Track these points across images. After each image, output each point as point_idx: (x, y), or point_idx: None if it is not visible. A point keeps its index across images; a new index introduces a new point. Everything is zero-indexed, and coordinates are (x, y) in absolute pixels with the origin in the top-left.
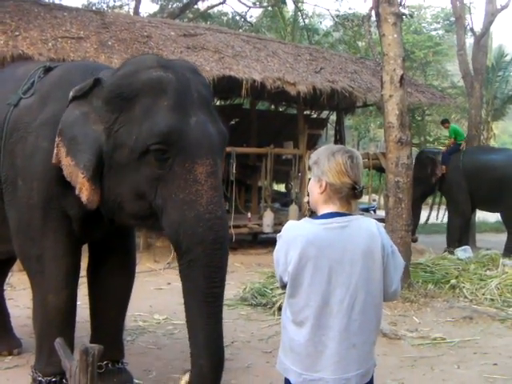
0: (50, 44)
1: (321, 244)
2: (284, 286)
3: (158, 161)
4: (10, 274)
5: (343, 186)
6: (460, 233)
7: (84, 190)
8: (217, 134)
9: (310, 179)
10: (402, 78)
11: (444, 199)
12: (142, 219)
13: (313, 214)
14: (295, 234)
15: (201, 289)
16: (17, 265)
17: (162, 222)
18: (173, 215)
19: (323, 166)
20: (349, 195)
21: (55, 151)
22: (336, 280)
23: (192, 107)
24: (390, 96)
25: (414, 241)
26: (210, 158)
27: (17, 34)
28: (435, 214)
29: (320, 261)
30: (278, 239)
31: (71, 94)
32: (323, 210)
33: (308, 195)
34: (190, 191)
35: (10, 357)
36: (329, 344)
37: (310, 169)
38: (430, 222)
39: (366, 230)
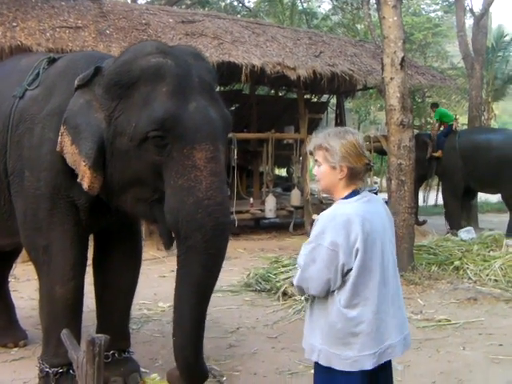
0: (48, 34)
1: (370, 218)
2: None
3: (157, 147)
4: (14, 265)
5: (362, 166)
6: (459, 214)
7: (85, 178)
8: (219, 118)
9: (318, 167)
10: (402, 60)
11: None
12: (142, 206)
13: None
14: (347, 214)
15: (195, 277)
16: (20, 256)
17: (164, 208)
18: (172, 202)
19: (340, 152)
20: (364, 173)
21: (59, 139)
22: (385, 249)
23: (192, 93)
24: (391, 78)
25: (422, 224)
26: (210, 144)
27: (14, 24)
28: (433, 197)
29: (374, 234)
30: (321, 233)
31: (76, 82)
32: (345, 192)
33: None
34: (189, 177)
35: (16, 349)
36: (389, 311)
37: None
38: (430, 204)
39: (380, 201)
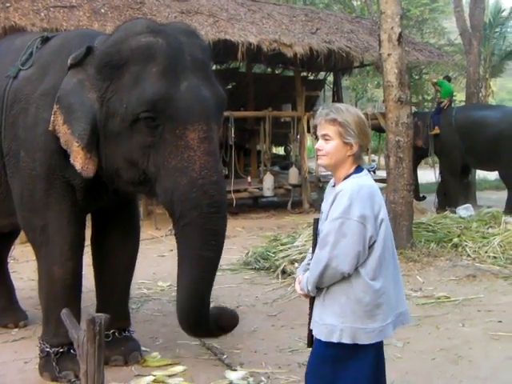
0: (42, 14)
1: (379, 191)
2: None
3: (149, 128)
4: (12, 246)
5: (367, 144)
6: (457, 191)
7: (78, 159)
8: (212, 97)
9: (326, 141)
10: (400, 36)
11: None
12: (139, 185)
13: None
14: (370, 186)
15: (195, 251)
16: (19, 237)
17: (156, 189)
18: (166, 183)
19: (356, 129)
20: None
21: (52, 118)
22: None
23: (184, 72)
24: (389, 55)
25: (422, 199)
26: (203, 123)
27: (8, 5)
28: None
29: (384, 206)
30: (348, 207)
31: (69, 61)
32: (350, 168)
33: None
34: (182, 158)
35: (17, 329)
36: (399, 280)
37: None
38: (429, 181)
39: None
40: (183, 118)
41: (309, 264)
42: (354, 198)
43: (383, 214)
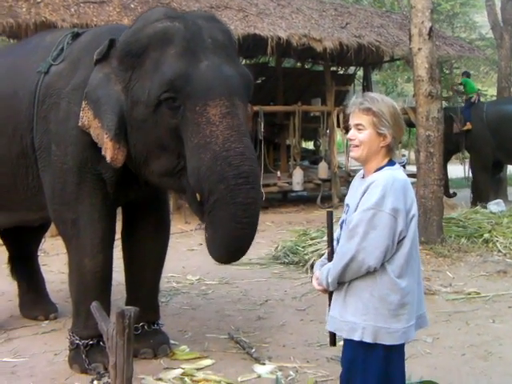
0: (72, 9)
1: (411, 186)
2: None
3: (171, 110)
4: (43, 240)
5: (401, 137)
6: (488, 187)
7: (108, 150)
8: (236, 75)
9: (359, 131)
10: (430, 30)
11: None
12: (167, 176)
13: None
14: (403, 180)
15: (228, 231)
16: (49, 231)
17: (188, 172)
18: (191, 162)
19: (391, 120)
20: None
21: (81, 114)
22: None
23: (204, 52)
24: (419, 49)
25: (453, 196)
26: (225, 99)
27: (39, 1)
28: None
29: (415, 202)
30: (381, 199)
31: (94, 57)
32: (383, 160)
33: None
34: (204, 134)
35: (47, 321)
36: (420, 280)
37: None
38: (458, 176)
39: None
40: (203, 94)
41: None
42: (387, 190)
43: (414, 209)
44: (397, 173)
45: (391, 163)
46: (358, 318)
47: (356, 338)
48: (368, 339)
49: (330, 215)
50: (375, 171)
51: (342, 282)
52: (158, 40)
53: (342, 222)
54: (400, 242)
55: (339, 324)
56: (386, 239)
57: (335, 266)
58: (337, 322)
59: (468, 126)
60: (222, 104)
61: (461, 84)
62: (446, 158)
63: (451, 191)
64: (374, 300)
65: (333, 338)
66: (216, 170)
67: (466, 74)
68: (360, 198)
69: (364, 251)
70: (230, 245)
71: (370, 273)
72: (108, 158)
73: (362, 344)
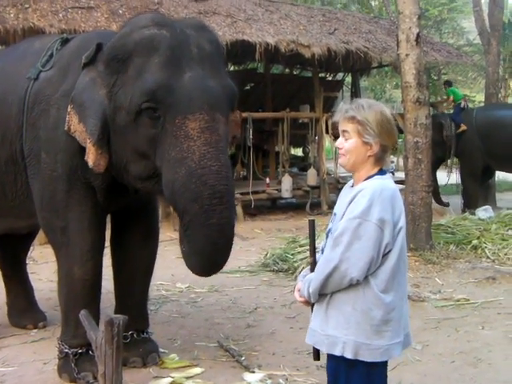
0: (60, 15)
1: (401, 197)
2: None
3: (151, 119)
4: (31, 248)
5: (392, 145)
6: (477, 193)
7: (90, 155)
8: (218, 88)
9: (346, 140)
10: (418, 36)
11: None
12: (146, 181)
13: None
14: (392, 190)
15: (203, 254)
16: (38, 239)
17: (162, 183)
18: (166, 175)
19: (377, 129)
20: (390, 151)
21: (67, 118)
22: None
23: (188, 63)
24: (407, 55)
25: (446, 205)
26: (205, 113)
27: (27, 6)
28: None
29: (404, 213)
30: (368, 208)
31: (82, 61)
32: (372, 169)
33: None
34: (181, 148)
35: (36, 330)
36: (406, 297)
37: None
38: (450, 183)
39: None
40: (183, 107)
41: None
42: (375, 199)
43: (402, 221)
44: (386, 182)
45: (381, 172)
46: (339, 331)
47: (337, 352)
48: (348, 355)
49: (311, 224)
50: (365, 180)
51: (324, 293)
52: (143, 47)
53: (329, 231)
54: (385, 255)
55: (319, 337)
56: (371, 250)
57: (317, 276)
58: (317, 335)
59: (463, 127)
60: (201, 118)
61: (448, 97)
62: (436, 166)
63: (445, 201)
64: (356, 314)
65: (316, 352)
66: (190, 188)
67: (449, 84)
68: (347, 206)
69: (347, 261)
70: (205, 263)
71: (353, 285)
72: (90, 163)
73: (343, 359)
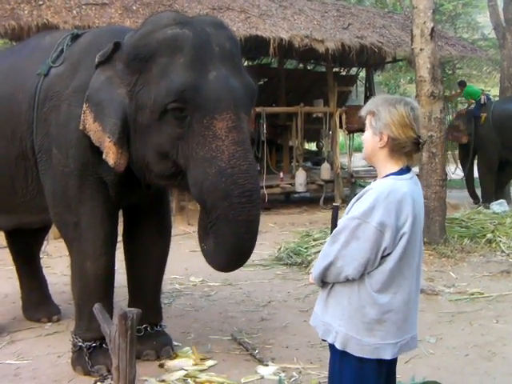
0: (74, 11)
1: (417, 199)
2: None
3: (177, 119)
4: (45, 242)
5: (408, 140)
6: (492, 187)
7: (111, 154)
8: (241, 87)
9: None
10: (432, 30)
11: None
12: (170, 179)
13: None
14: (402, 193)
15: (229, 246)
16: (52, 233)
17: (188, 181)
18: (195, 174)
19: (384, 119)
20: (412, 149)
21: (82, 117)
22: (420, 236)
23: (212, 62)
24: (421, 49)
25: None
26: (231, 113)
27: (40, 3)
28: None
29: (419, 218)
30: (370, 210)
31: (96, 59)
32: (390, 166)
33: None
34: (210, 148)
35: (50, 323)
36: (417, 300)
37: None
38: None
39: (419, 183)
40: (211, 107)
41: None
42: (379, 202)
43: (407, 227)
44: (398, 184)
45: (400, 172)
46: (334, 321)
47: (330, 340)
48: (338, 345)
49: (335, 209)
50: (383, 177)
51: (327, 282)
52: (166, 46)
53: None
54: (384, 257)
55: (318, 322)
56: (367, 252)
57: (317, 265)
58: (317, 319)
59: (484, 117)
60: (228, 118)
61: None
62: (465, 160)
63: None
64: (350, 308)
65: None
66: (220, 187)
67: (463, 84)
68: (354, 203)
69: (343, 259)
70: (230, 258)
71: (350, 281)
72: (111, 163)
73: (336, 348)
